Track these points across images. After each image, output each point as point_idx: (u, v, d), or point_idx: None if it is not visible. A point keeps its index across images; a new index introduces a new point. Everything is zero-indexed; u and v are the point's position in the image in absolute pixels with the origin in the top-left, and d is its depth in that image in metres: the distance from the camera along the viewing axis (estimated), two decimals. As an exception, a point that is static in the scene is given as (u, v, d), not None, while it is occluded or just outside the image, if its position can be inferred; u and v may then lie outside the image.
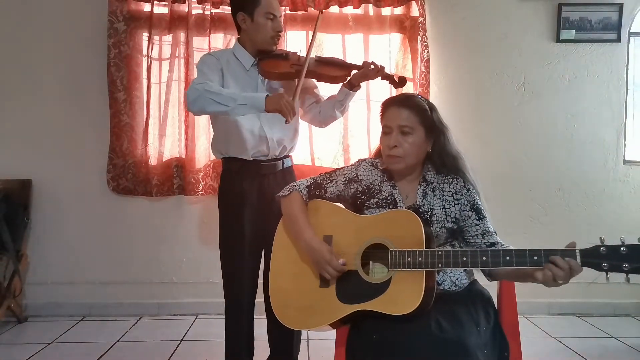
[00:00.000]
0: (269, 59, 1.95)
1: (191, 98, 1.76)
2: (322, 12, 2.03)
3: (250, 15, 1.91)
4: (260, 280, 2.01)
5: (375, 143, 2.93)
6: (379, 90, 2.95)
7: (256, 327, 2.07)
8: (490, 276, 1.45)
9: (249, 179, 1.96)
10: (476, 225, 1.47)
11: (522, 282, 1.35)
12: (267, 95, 1.75)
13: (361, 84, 2.03)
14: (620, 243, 1.15)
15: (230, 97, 1.74)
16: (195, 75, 2.90)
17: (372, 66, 1.93)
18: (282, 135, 1.98)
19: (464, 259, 1.29)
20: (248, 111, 1.77)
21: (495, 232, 1.47)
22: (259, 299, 2.01)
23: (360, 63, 1.99)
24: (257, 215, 1.93)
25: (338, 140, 3.04)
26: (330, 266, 1.41)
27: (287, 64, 1.93)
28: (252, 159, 1.94)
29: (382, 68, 1.95)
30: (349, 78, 1.99)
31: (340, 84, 2.03)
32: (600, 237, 1.18)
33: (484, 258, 1.27)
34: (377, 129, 2.94)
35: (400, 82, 2.01)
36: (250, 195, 1.95)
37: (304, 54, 1.98)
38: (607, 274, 1.15)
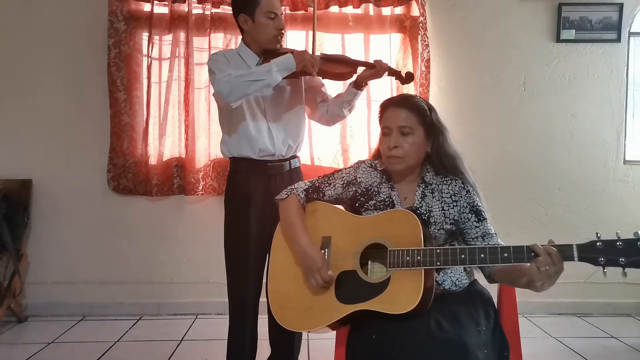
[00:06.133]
0: (273, 57, 1.95)
1: (226, 91, 1.79)
2: (314, 5, 2.03)
3: (251, 16, 1.91)
4: (264, 280, 2.00)
5: (376, 143, 2.97)
6: (379, 90, 2.95)
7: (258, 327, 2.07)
8: (490, 278, 1.45)
9: (256, 179, 1.96)
10: (476, 227, 1.47)
11: (520, 288, 1.34)
12: (292, 54, 1.82)
13: (368, 83, 2.03)
14: (616, 238, 1.16)
15: (262, 70, 1.81)
16: (197, 76, 2.96)
17: (380, 64, 1.93)
18: (287, 134, 1.99)
19: (462, 256, 1.29)
20: (284, 74, 1.82)
21: (495, 234, 1.47)
22: (261, 299, 2.01)
23: (365, 61, 1.99)
24: (263, 216, 1.93)
25: (337, 140, 3.04)
26: (320, 275, 1.42)
27: None
28: (258, 158, 1.94)
29: (389, 66, 1.95)
30: (355, 75, 1.99)
31: (347, 82, 2.03)
32: (597, 233, 1.19)
33: (482, 255, 1.27)
34: (377, 128, 2.98)
35: (407, 77, 2.00)
36: (256, 195, 1.95)
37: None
38: (604, 269, 1.16)
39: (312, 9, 2.97)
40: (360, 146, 3.05)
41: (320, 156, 3.06)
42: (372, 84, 2.89)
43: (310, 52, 1.93)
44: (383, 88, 2.94)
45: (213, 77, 1.87)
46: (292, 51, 1.97)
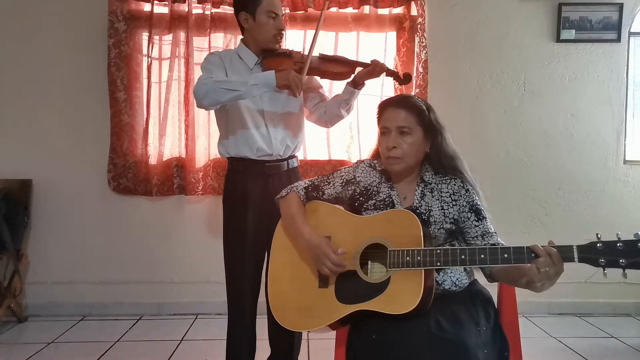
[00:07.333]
0: (272, 57, 1.95)
1: (201, 93, 1.79)
2: (322, 6, 2.02)
3: (252, 15, 1.92)
4: (263, 280, 2.01)
5: (366, 138, 2.96)
6: (370, 85, 2.91)
7: (257, 327, 2.07)
8: (490, 277, 1.45)
9: (254, 179, 1.96)
10: (476, 226, 1.46)
11: (520, 288, 1.34)
12: (276, 71, 1.79)
13: (365, 82, 2.03)
14: (616, 239, 1.15)
15: (240, 81, 1.80)
16: (197, 76, 2.94)
17: (377, 63, 1.93)
18: (285, 135, 1.99)
19: (462, 257, 1.29)
20: (261, 90, 1.82)
21: (495, 233, 1.47)
22: (261, 299, 2.01)
23: (363, 61, 2.00)
24: (261, 216, 1.93)
25: (324, 133, 3.04)
26: (329, 260, 1.40)
27: (291, 62, 1.93)
28: (256, 158, 1.95)
29: (386, 66, 1.95)
30: (353, 75, 1.99)
31: (345, 83, 2.03)
32: (597, 234, 1.18)
33: (482, 256, 1.27)
34: (366, 124, 2.97)
35: (405, 78, 2.00)
36: (254, 195, 1.95)
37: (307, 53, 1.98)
38: (604, 270, 1.16)
39: (311, 9, 2.98)
40: (350, 140, 3.07)
41: (309, 149, 3.07)
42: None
43: (308, 52, 1.93)
44: (374, 82, 2.90)
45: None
46: (288, 53, 1.98)
